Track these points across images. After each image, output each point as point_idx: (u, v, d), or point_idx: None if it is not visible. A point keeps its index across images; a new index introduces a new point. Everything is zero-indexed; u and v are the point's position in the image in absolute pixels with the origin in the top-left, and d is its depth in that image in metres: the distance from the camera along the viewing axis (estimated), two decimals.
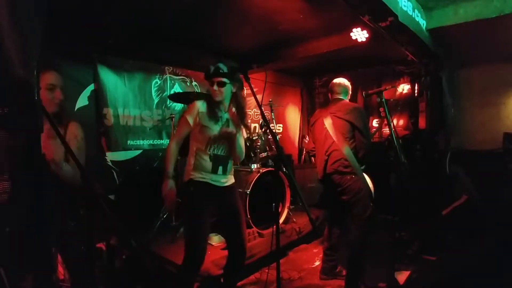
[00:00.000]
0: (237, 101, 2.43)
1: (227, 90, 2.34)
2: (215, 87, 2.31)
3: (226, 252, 2.63)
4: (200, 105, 2.33)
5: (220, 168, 2.36)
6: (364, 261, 2.94)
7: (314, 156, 3.32)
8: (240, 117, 2.42)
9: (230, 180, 2.47)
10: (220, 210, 2.43)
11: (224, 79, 2.30)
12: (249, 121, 2.55)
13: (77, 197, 1.68)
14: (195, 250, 2.28)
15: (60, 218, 1.91)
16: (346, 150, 2.89)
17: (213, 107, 2.34)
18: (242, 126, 2.46)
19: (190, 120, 2.31)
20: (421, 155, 4.81)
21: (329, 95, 3.28)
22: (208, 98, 2.39)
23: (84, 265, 2.03)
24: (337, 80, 3.20)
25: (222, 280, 2.74)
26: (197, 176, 2.32)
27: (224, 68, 2.30)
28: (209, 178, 2.33)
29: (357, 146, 2.96)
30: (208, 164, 2.32)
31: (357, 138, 2.95)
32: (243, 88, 2.53)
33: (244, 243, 2.47)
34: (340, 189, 2.96)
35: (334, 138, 2.97)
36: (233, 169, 2.52)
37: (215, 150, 2.34)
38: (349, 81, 3.26)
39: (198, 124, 2.31)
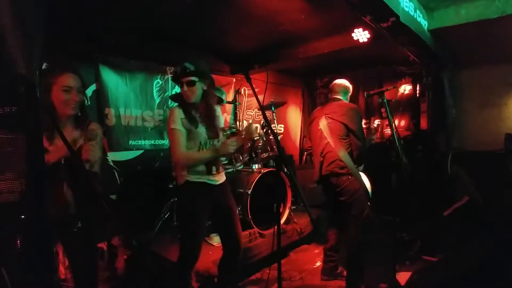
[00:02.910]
0: (206, 99, 2.34)
1: (198, 89, 2.28)
2: (185, 88, 2.25)
3: None
4: (178, 112, 2.29)
5: (214, 168, 2.35)
6: (363, 261, 2.94)
7: (311, 154, 3.33)
8: (208, 118, 2.34)
9: (222, 177, 2.49)
10: (215, 209, 2.42)
11: (193, 78, 2.24)
12: (221, 123, 2.49)
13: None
14: (192, 251, 2.29)
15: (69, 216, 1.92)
16: (341, 151, 2.89)
17: (190, 111, 2.30)
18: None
19: (180, 127, 2.26)
20: (422, 156, 4.81)
21: (329, 95, 3.29)
22: (183, 103, 2.34)
23: (86, 265, 2.04)
24: (337, 81, 3.23)
25: (215, 280, 2.71)
26: (193, 177, 2.31)
27: (191, 66, 2.24)
28: (205, 178, 2.34)
29: (352, 147, 2.96)
30: (202, 166, 2.31)
31: (351, 139, 2.96)
32: (214, 86, 2.46)
33: (239, 241, 2.48)
34: (337, 190, 2.97)
35: (329, 140, 2.97)
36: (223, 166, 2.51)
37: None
38: (350, 81, 3.26)
39: (186, 130, 2.28)
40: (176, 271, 2.40)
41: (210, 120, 2.35)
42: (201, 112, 2.33)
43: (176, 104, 2.37)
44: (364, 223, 2.88)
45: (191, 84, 2.25)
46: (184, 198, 2.35)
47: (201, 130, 2.31)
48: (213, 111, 2.38)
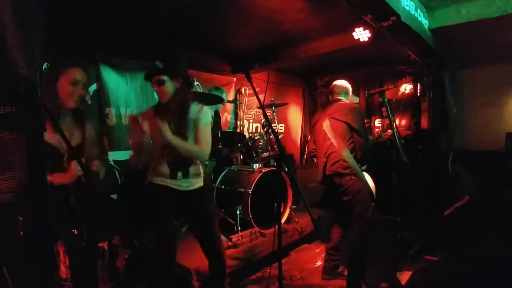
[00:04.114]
0: (177, 98, 2.22)
1: (169, 87, 2.19)
2: (155, 88, 2.18)
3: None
4: (149, 110, 2.23)
5: (180, 173, 2.26)
6: (365, 261, 2.94)
7: (315, 156, 3.34)
8: (178, 117, 2.22)
9: (195, 183, 2.35)
10: (187, 215, 2.40)
11: (162, 77, 2.16)
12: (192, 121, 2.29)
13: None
14: (159, 248, 2.27)
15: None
16: (344, 151, 2.89)
17: (160, 111, 2.22)
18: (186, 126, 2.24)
19: (145, 128, 2.17)
20: (423, 155, 4.81)
21: (329, 97, 3.29)
22: (158, 102, 2.28)
23: (86, 264, 2.04)
24: (337, 82, 3.23)
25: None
26: (157, 179, 2.27)
27: (160, 64, 2.15)
28: (168, 182, 2.26)
29: (356, 147, 2.96)
30: (166, 169, 2.24)
31: (355, 138, 2.96)
32: (190, 83, 2.35)
33: (219, 248, 2.37)
34: (341, 190, 2.97)
35: (332, 140, 2.98)
36: (200, 172, 2.39)
37: (172, 155, 2.22)
38: (351, 81, 3.27)
39: (152, 131, 2.20)
40: (157, 266, 2.36)
41: (179, 119, 2.23)
42: (172, 111, 2.21)
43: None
44: (367, 223, 2.87)
45: (161, 83, 2.17)
46: (147, 198, 2.32)
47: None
48: (185, 110, 2.24)
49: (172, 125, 2.20)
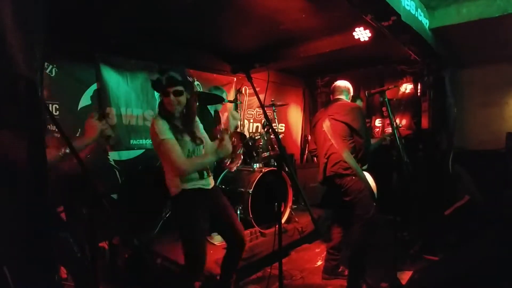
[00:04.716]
0: (188, 107, 2.31)
1: (185, 98, 2.26)
2: (172, 98, 2.19)
3: None
4: (162, 122, 2.21)
5: (204, 172, 2.37)
6: (365, 261, 2.94)
7: (316, 156, 3.34)
8: (190, 125, 2.34)
9: (212, 180, 2.49)
10: (213, 211, 2.43)
11: (181, 87, 2.21)
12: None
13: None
14: (199, 259, 2.27)
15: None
16: (344, 152, 2.89)
17: (172, 120, 2.26)
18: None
19: (171, 136, 2.17)
20: (423, 155, 4.81)
21: (330, 96, 3.30)
22: (164, 113, 2.27)
23: (83, 265, 2.04)
24: (338, 82, 3.24)
25: (217, 278, 2.71)
26: (189, 185, 2.30)
27: (177, 75, 2.19)
28: (200, 184, 2.34)
29: (356, 147, 2.96)
30: (194, 173, 2.31)
31: (355, 139, 2.96)
32: (195, 91, 2.44)
33: (243, 235, 2.50)
34: (342, 190, 2.97)
35: (333, 141, 2.98)
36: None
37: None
38: (351, 81, 3.27)
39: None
40: (185, 277, 2.38)
41: (191, 127, 2.35)
42: (182, 119, 2.31)
43: (156, 114, 2.32)
44: (368, 223, 2.87)
45: (179, 94, 2.21)
46: (182, 207, 2.32)
47: (187, 138, 2.28)
48: (194, 118, 2.39)
49: (191, 134, 2.32)
